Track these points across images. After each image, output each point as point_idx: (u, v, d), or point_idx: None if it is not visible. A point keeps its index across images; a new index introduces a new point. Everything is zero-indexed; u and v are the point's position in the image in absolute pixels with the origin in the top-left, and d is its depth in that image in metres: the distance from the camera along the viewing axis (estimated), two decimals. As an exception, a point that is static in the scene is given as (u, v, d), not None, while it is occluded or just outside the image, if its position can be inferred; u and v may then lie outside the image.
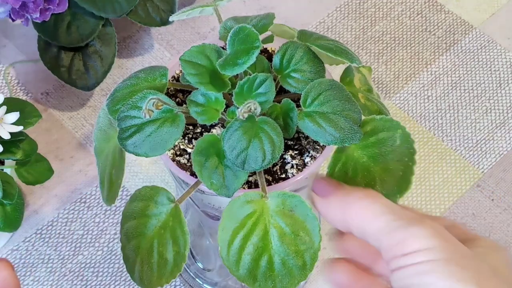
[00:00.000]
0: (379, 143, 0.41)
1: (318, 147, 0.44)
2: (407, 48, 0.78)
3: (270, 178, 0.43)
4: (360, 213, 0.37)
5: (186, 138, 0.45)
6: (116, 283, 0.63)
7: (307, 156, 0.44)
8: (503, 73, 0.76)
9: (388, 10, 0.81)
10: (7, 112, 0.57)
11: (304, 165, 0.43)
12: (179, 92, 0.47)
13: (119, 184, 0.41)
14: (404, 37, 0.79)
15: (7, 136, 0.56)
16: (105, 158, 0.43)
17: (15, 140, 0.57)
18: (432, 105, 0.73)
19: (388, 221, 0.35)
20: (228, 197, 0.39)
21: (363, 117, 0.41)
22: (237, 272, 0.39)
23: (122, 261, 0.52)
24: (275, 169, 0.43)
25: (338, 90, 0.40)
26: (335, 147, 0.42)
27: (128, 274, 0.63)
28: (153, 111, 0.39)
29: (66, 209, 0.67)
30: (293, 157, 0.44)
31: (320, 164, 0.44)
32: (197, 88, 0.41)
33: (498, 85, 0.75)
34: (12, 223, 0.59)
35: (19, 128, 0.56)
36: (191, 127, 0.45)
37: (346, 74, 0.47)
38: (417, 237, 0.34)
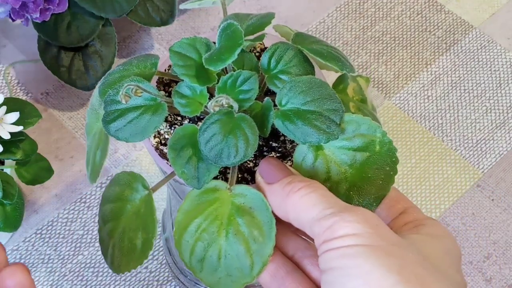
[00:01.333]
0: (358, 147, 0.40)
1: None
2: (407, 48, 0.78)
3: (249, 177, 0.42)
4: (297, 202, 0.37)
5: (173, 128, 0.44)
6: (116, 283, 0.63)
7: (289, 160, 0.43)
8: (503, 73, 0.76)
9: (388, 10, 0.81)
10: (7, 112, 0.57)
11: None
12: (173, 82, 0.47)
13: (101, 164, 0.42)
14: (404, 37, 0.79)
15: (7, 136, 0.56)
16: (93, 137, 0.44)
17: (15, 140, 0.57)
18: (432, 105, 0.73)
19: (321, 210, 0.36)
20: (198, 188, 0.39)
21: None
22: (185, 257, 0.38)
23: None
24: (255, 169, 0.43)
25: (316, 88, 0.39)
26: None
27: (128, 274, 0.63)
28: (130, 97, 0.39)
29: (66, 209, 0.67)
30: None
31: None
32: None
33: (498, 85, 0.75)
34: (12, 223, 0.59)
35: (19, 128, 0.56)
36: (179, 118, 0.45)
37: (340, 82, 0.46)
38: (346, 222, 0.34)
